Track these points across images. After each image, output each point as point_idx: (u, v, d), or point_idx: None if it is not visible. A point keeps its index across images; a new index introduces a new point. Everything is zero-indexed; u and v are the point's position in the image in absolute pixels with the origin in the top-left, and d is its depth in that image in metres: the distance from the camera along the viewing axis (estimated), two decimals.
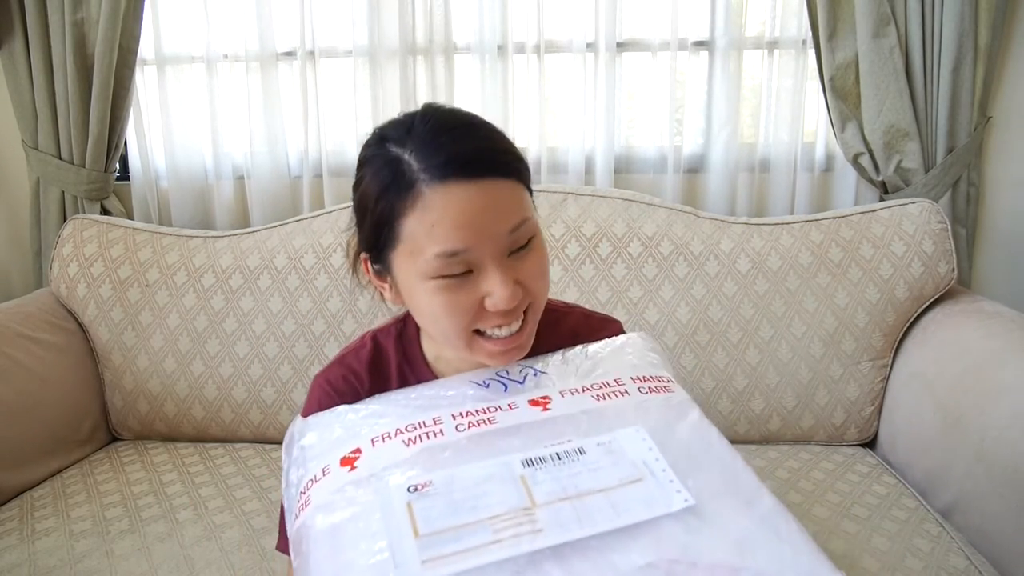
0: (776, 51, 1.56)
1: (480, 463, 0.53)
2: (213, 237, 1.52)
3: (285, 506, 0.60)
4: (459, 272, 0.59)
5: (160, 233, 1.53)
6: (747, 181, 1.60)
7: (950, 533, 1.04)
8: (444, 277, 0.59)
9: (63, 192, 1.63)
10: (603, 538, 0.46)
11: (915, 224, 1.34)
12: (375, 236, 0.63)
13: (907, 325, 1.36)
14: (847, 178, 1.59)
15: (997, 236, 1.59)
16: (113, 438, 1.49)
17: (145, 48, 1.62)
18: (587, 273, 1.39)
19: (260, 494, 1.20)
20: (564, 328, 0.76)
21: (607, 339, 0.70)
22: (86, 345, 1.47)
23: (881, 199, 1.54)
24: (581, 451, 0.54)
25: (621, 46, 1.59)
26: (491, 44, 1.57)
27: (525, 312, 0.63)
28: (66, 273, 1.48)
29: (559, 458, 0.53)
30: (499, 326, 0.62)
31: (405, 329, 0.75)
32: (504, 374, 0.65)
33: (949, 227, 1.34)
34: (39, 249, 1.69)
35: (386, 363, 0.74)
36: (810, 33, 1.48)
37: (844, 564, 0.98)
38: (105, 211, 1.67)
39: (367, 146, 0.65)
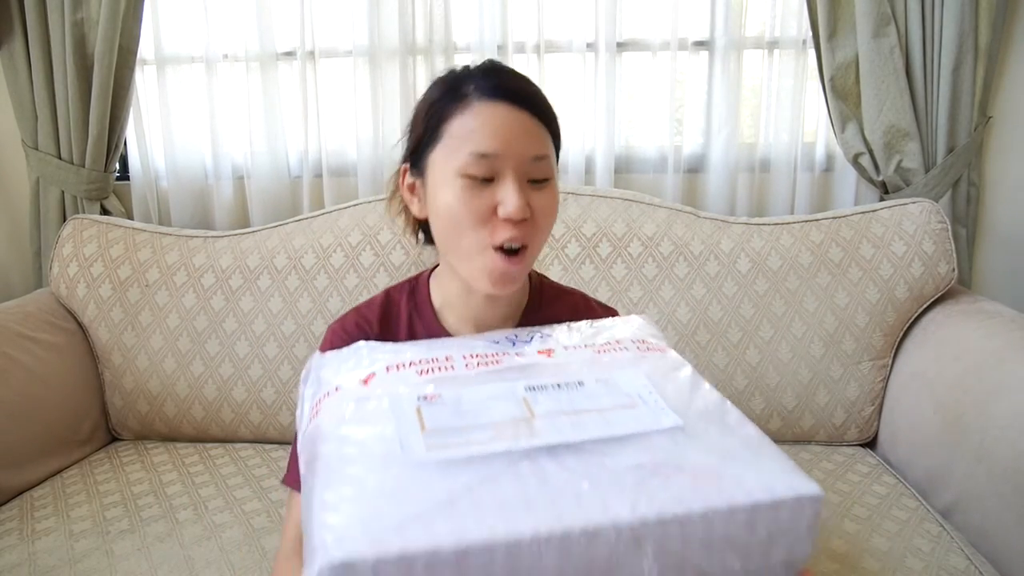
0: (776, 51, 1.56)
1: (486, 386, 0.58)
2: (213, 237, 1.52)
3: (298, 428, 0.63)
4: (483, 176, 0.67)
5: (160, 233, 1.53)
6: (747, 181, 1.60)
7: (950, 533, 1.04)
8: (471, 177, 0.67)
9: (63, 192, 1.63)
10: (595, 443, 0.51)
11: (915, 224, 1.34)
12: (422, 136, 0.72)
13: (907, 325, 1.36)
14: (847, 178, 1.59)
15: (997, 236, 1.59)
16: (113, 438, 1.49)
17: (145, 48, 1.62)
18: (587, 273, 1.39)
19: (260, 494, 1.20)
20: (566, 302, 0.84)
21: (611, 317, 0.75)
22: (86, 345, 1.47)
23: (881, 199, 1.54)
24: (580, 383, 0.59)
25: (621, 46, 1.59)
26: (491, 44, 1.57)
27: (524, 248, 0.70)
28: (66, 273, 1.48)
29: (559, 387, 0.58)
30: (507, 240, 0.68)
31: (417, 284, 0.83)
32: (513, 336, 0.70)
33: (949, 227, 1.34)
34: (39, 249, 1.69)
35: (396, 312, 0.81)
36: (810, 33, 1.49)
37: (844, 564, 0.98)
38: (105, 211, 1.67)
39: (439, 77, 0.75)
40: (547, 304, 0.82)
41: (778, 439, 1.36)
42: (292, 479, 0.77)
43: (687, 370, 0.63)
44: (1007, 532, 0.97)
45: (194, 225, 1.69)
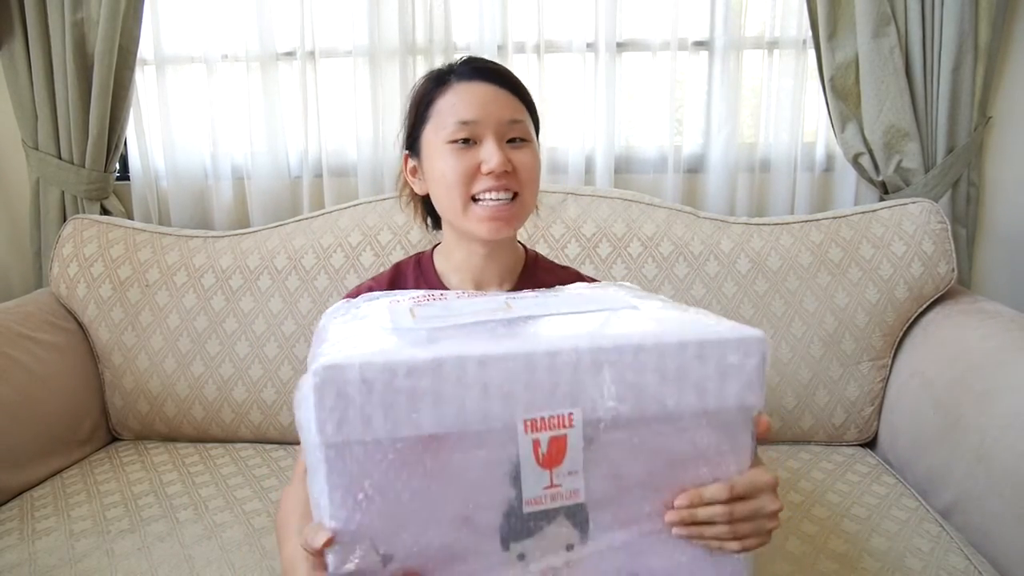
0: (776, 51, 1.56)
1: (473, 299, 0.66)
2: (213, 237, 1.52)
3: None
4: (466, 139, 0.78)
5: (160, 233, 1.53)
6: (747, 181, 1.60)
7: (950, 533, 1.04)
8: (456, 142, 0.78)
9: (63, 192, 1.63)
10: (562, 315, 0.59)
11: (915, 224, 1.34)
12: (414, 120, 0.84)
13: (907, 325, 1.36)
14: (847, 178, 1.59)
15: (997, 236, 1.59)
16: (113, 438, 1.49)
17: (145, 48, 1.62)
18: (587, 273, 1.39)
19: (260, 494, 1.20)
20: (559, 274, 0.94)
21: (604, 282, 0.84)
22: (86, 345, 1.47)
23: (881, 199, 1.54)
24: (556, 295, 0.67)
25: (621, 46, 1.59)
26: (491, 44, 1.57)
27: (515, 196, 0.80)
28: (66, 273, 1.48)
29: (537, 296, 0.66)
30: (489, 191, 0.78)
31: (422, 255, 0.94)
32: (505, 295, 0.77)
33: (949, 227, 1.34)
34: (39, 249, 1.69)
35: (403, 279, 0.92)
36: (810, 33, 1.49)
37: (844, 564, 0.98)
38: (105, 211, 1.67)
39: (426, 73, 0.87)
40: (541, 272, 0.92)
41: (778, 439, 1.37)
42: None
43: (664, 298, 0.71)
44: (1007, 532, 0.97)
45: (194, 225, 1.69)
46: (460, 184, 0.78)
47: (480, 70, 0.81)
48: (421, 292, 0.71)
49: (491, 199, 0.78)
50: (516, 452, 0.50)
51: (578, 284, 0.79)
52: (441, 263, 0.91)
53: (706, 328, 0.55)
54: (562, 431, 0.51)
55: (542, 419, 0.50)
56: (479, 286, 0.88)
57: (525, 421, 0.50)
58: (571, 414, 0.51)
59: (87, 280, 1.46)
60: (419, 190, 0.88)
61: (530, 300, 0.64)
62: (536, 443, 0.50)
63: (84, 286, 1.46)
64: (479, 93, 0.80)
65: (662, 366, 0.52)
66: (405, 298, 0.68)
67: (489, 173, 0.78)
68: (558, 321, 0.57)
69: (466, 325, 0.56)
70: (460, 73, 0.81)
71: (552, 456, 0.51)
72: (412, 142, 0.86)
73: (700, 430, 0.54)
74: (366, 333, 0.54)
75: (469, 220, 0.80)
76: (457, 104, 0.79)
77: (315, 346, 0.62)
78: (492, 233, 0.80)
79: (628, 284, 0.79)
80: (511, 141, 0.80)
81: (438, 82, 0.82)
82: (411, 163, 0.88)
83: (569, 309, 0.60)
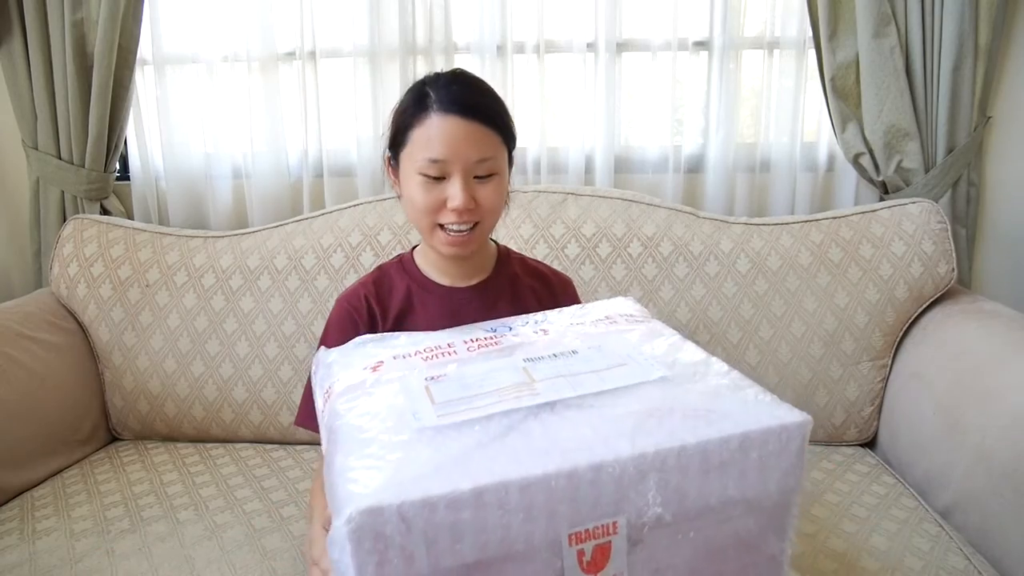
0: (776, 51, 1.56)
1: (488, 362, 0.63)
2: (213, 237, 1.52)
3: (319, 418, 0.68)
4: (435, 176, 0.83)
5: (160, 233, 1.53)
6: (747, 181, 1.60)
7: (949, 533, 1.05)
8: (426, 176, 0.83)
9: (63, 192, 1.63)
10: (592, 397, 0.56)
11: (915, 224, 1.34)
12: (395, 139, 0.88)
13: (907, 325, 1.36)
14: (847, 178, 1.59)
15: (997, 236, 1.59)
16: (113, 438, 1.49)
17: (145, 48, 1.62)
18: (587, 274, 1.39)
19: (260, 494, 1.20)
20: (524, 261, 1.02)
21: (602, 300, 0.86)
22: (86, 345, 1.47)
23: (881, 199, 1.54)
24: (574, 351, 0.64)
25: (621, 46, 1.59)
26: (491, 44, 1.57)
27: (476, 224, 0.86)
28: (66, 273, 1.48)
29: (555, 356, 0.63)
30: (453, 223, 0.84)
31: (403, 256, 1.01)
32: (509, 324, 0.76)
33: (949, 227, 1.34)
34: (39, 249, 1.69)
35: (389, 280, 0.97)
36: (810, 33, 1.49)
37: (843, 563, 0.98)
38: (105, 211, 1.67)
39: (414, 83, 0.89)
40: (511, 263, 1.00)
41: None
42: (303, 419, 0.95)
43: (672, 334, 0.69)
44: (1007, 532, 0.97)
45: (194, 225, 1.69)
46: (427, 214, 0.85)
47: (459, 103, 0.82)
48: (425, 343, 0.69)
49: (453, 229, 0.85)
50: (561, 565, 0.49)
51: (581, 311, 0.77)
52: (421, 260, 0.98)
53: (745, 408, 0.53)
54: (607, 539, 0.50)
55: (587, 531, 0.49)
56: (456, 280, 0.95)
57: (570, 535, 0.49)
58: (615, 522, 0.49)
59: (87, 280, 1.46)
60: (396, 192, 0.93)
61: (550, 367, 0.61)
62: (581, 553, 0.49)
63: (84, 286, 1.46)
64: (452, 131, 0.81)
65: (705, 464, 0.50)
66: (411, 352, 0.66)
67: (454, 210, 0.83)
68: (591, 411, 0.54)
69: (493, 417, 0.53)
70: (440, 101, 0.82)
71: (596, 562, 0.50)
72: (393, 153, 0.90)
73: (741, 518, 0.53)
74: (391, 436, 0.52)
75: (433, 241, 0.88)
76: (430, 140, 0.82)
77: (329, 422, 0.59)
78: (453, 255, 0.88)
79: (628, 301, 0.79)
80: (477, 177, 0.84)
81: (419, 106, 0.84)
82: (392, 165, 0.92)
83: (597, 387, 0.57)
